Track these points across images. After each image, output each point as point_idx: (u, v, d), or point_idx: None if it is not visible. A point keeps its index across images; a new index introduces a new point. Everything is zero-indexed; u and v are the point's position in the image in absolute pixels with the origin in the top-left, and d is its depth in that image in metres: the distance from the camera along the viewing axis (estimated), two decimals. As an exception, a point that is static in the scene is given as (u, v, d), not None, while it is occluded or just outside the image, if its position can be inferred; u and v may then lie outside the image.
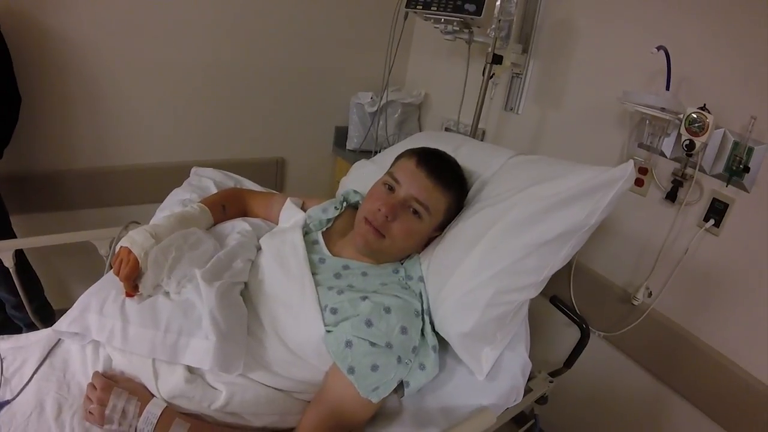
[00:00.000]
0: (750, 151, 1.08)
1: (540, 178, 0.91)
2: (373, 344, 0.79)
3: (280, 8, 1.83)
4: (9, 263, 1.16)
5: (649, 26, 1.26)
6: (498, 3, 1.34)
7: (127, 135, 1.74)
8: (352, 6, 1.96)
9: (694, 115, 1.11)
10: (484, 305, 0.83)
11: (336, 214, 1.09)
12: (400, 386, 0.83)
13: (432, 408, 0.86)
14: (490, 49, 1.40)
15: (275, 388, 0.82)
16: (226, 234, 1.03)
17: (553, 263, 0.85)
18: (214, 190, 1.23)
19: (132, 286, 0.85)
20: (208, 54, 1.77)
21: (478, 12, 1.36)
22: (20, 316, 1.57)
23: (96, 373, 0.83)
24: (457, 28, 1.51)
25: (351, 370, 0.78)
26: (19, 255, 1.20)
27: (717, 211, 1.16)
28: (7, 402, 0.81)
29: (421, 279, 0.95)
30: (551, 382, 1.19)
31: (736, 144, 1.10)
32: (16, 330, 1.62)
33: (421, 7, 1.48)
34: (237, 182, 1.34)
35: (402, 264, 1.01)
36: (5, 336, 0.96)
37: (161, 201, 1.23)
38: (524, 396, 0.93)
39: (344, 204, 1.12)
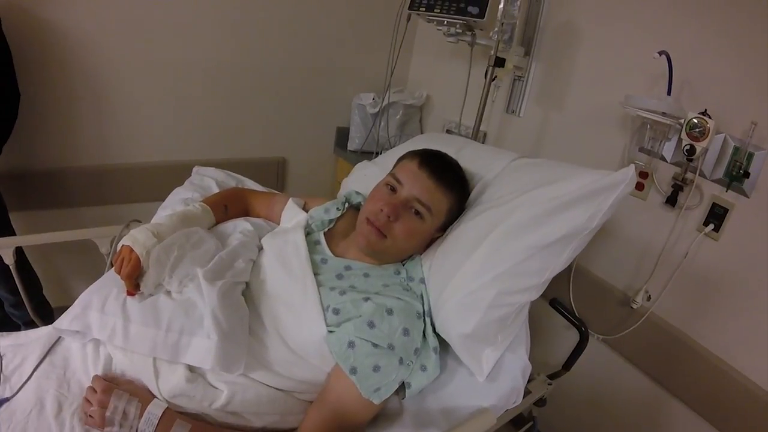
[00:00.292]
0: (750, 156, 1.08)
1: (542, 181, 0.92)
2: (375, 345, 0.79)
3: (284, 8, 1.83)
4: (9, 260, 1.16)
5: (652, 30, 1.27)
6: (501, 6, 1.34)
7: (128, 133, 1.74)
8: (355, 7, 1.97)
9: (695, 120, 1.12)
10: (486, 306, 0.83)
11: (338, 215, 1.09)
12: (402, 387, 0.84)
13: (432, 409, 0.86)
14: (492, 52, 1.41)
15: (276, 388, 0.82)
16: (228, 234, 1.03)
17: (555, 266, 0.86)
18: (216, 190, 1.23)
19: (133, 285, 0.85)
20: (211, 53, 1.77)
21: (481, 15, 1.36)
22: (18, 314, 1.57)
23: (96, 377, 0.82)
24: (460, 31, 1.51)
25: (353, 371, 0.78)
26: (19, 252, 1.19)
27: (717, 215, 1.16)
28: (7, 399, 0.81)
29: (423, 281, 0.95)
30: (550, 384, 1.19)
31: (736, 149, 1.10)
32: (14, 328, 1.61)
33: (424, 9, 1.48)
34: (239, 182, 1.34)
35: (403, 265, 1.01)
36: (4, 333, 0.96)
37: (162, 199, 1.23)
38: (523, 398, 0.94)
39: (346, 205, 1.12)
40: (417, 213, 0.93)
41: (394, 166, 1.03)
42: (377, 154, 1.97)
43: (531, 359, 0.93)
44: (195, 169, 1.33)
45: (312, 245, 0.98)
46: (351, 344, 0.79)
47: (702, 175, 1.18)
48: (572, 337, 1.19)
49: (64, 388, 0.83)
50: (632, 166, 0.84)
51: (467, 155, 1.11)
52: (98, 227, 1.22)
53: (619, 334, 1.35)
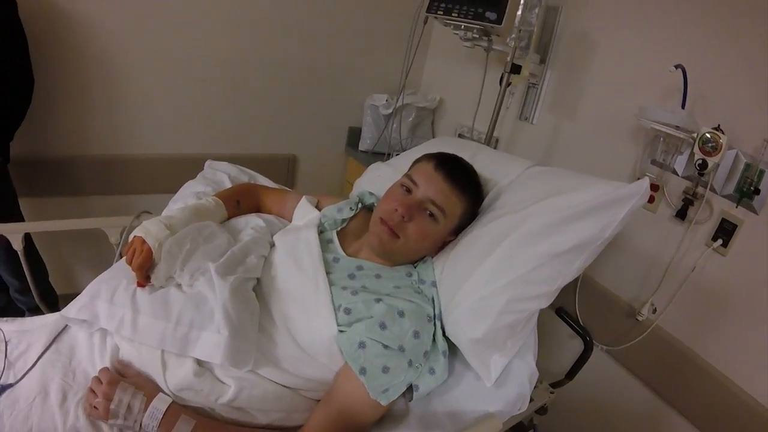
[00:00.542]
0: (761, 173, 1.08)
1: (557, 190, 0.92)
2: (385, 347, 0.79)
3: (301, 5, 1.83)
4: (18, 246, 1.16)
5: (667, 43, 1.27)
6: (519, 13, 1.35)
7: (140, 124, 1.75)
8: (372, 7, 1.97)
9: (708, 135, 1.12)
10: (497, 312, 0.83)
11: (351, 215, 1.09)
12: (409, 390, 0.83)
13: (439, 412, 0.86)
14: (509, 59, 1.41)
15: (283, 385, 0.82)
16: (239, 229, 1.03)
17: (566, 274, 0.86)
18: (229, 184, 1.23)
19: (144, 277, 0.85)
20: (226, 47, 1.77)
21: (499, 21, 1.36)
22: (24, 299, 1.57)
23: (103, 369, 0.81)
24: (477, 36, 1.51)
25: (363, 371, 0.78)
26: (26, 238, 1.19)
27: (726, 231, 1.16)
28: (10, 386, 0.80)
29: (434, 284, 0.95)
30: (552, 392, 1.19)
31: (747, 166, 1.11)
32: (19, 314, 1.61)
33: (442, 12, 1.48)
34: (251, 177, 1.34)
35: (415, 267, 1.01)
36: (10, 318, 0.95)
37: (171, 191, 1.23)
38: (526, 405, 0.94)
39: (359, 205, 1.13)
40: (431, 215, 0.93)
41: (409, 168, 1.03)
42: (389, 155, 1.97)
43: (534, 367, 0.93)
44: (208, 162, 1.33)
45: (324, 244, 0.98)
46: (362, 345, 0.79)
47: (713, 189, 1.18)
48: (575, 346, 1.20)
49: (69, 377, 0.83)
50: (646, 178, 0.84)
51: (482, 160, 1.11)
52: (109, 217, 1.23)
53: (623, 345, 1.35)
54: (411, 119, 2.04)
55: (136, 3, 1.57)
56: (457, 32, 1.54)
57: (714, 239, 1.18)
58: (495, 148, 1.77)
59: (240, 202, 1.10)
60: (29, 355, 0.86)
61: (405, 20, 1.72)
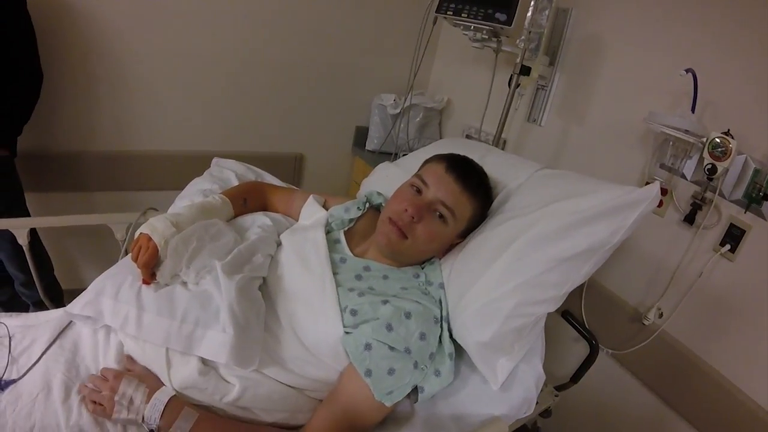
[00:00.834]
0: (770, 179, 1.07)
1: (566, 194, 0.91)
2: (392, 348, 0.79)
3: (311, 4, 1.83)
4: (23, 241, 1.16)
5: (677, 48, 1.26)
6: (529, 14, 1.34)
7: (147, 120, 1.75)
8: (380, 7, 1.96)
9: (718, 140, 1.11)
10: (505, 316, 0.83)
11: (358, 215, 1.08)
12: (414, 391, 0.83)
13: (444, 414, 0.85)
14: (518, 60, 1.40)
15: (288, 385, 0.82)
16: (246, 227, 1.03)
17: (575, 279, 0.85)
18: (235, 182, 1.23)
19: (149, 274, 0.84)
20: (235, 45, 1.77)
21: (509, 22, 1.36)
22: (28, 293, 1.57)
23: (106, 368, 0.81)
24: (486, 37, 1.50)
25: (368, 373, 0.77)
26: (32, 233, 1.19)
27: (734, 236, 1.15)
28: (13, 381, 0.79)
29: (441, 285, 0.95)
30: (557, 396, 1.19)
31: (756, 171, 1.10)
32: (23, 308, 1.62)
33: (451, 13, 1.47)
34: (258, 176, 1.33)
35: (422, 269, 1.00)
36: (14, 314, 0.95)
37: (177, 188, 1.22)
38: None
39: (367, 205, 1.12)
40: (440, 216, 0.92)
41: (419, 168, 1.02)
42: (396, 155, 1.97)
43: (539, 370, 0.92)
44: (215, 160, 1.32)
45: (332, 244, 0.98)
46: (368, 346, 0.79)
47: (721, 195, 1.17)
48: (580, 349, 1.19)
49: (73, 373, 0.82)
50: (657, 183, 0.83)
51: (491, 162, 1.10)
52: (114, 213, 1.22)
53: (628, 349, 1.35)
54: (418, 120, 2.03)
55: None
56: (466, 33, 1.54)
57: (722, 245, 1.17)
58: (503, 149, 1.76)
59: (247, 200, 1.10)
60: (33, 350, 0.86)
61: (414, 20, 1.72)
